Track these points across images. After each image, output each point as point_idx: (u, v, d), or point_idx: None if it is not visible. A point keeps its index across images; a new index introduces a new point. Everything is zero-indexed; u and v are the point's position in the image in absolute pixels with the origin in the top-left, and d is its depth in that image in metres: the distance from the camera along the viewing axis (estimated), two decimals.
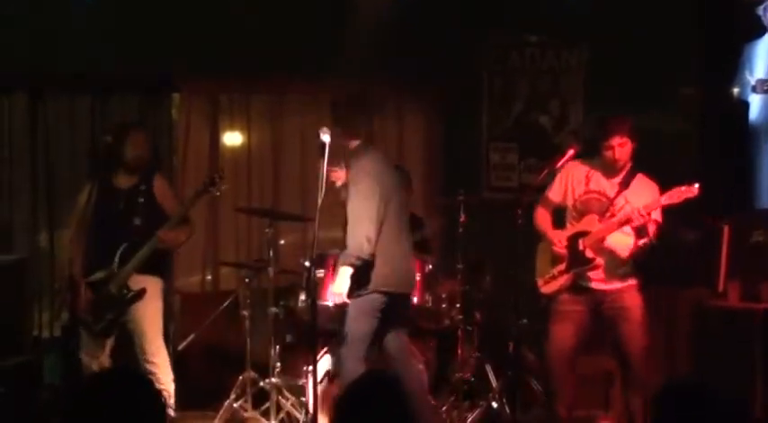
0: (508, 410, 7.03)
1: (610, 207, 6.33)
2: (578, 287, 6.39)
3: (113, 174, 6.76)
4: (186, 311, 8.13)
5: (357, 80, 8.34)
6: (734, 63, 7.68)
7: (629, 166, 6.41)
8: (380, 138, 8.87)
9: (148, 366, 6.54)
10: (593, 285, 6.36)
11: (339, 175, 6.34)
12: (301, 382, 7.00)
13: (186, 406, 6.85)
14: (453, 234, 7.34)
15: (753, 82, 7.53)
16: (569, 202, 6.50)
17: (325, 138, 5.91)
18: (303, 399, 6.85)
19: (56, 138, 8.35)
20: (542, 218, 6.59)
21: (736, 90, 7.71)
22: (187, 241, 6.97)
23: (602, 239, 6.32)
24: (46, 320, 8.15)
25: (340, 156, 6.26)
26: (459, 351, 7.23)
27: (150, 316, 6.62)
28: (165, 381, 6.52)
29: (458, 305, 7.24)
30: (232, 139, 8.82)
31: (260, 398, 7.22)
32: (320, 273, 6.65)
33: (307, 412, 6.68)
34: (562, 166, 6.57)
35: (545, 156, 8.24)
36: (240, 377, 7.16)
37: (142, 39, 8.07)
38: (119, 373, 3.23)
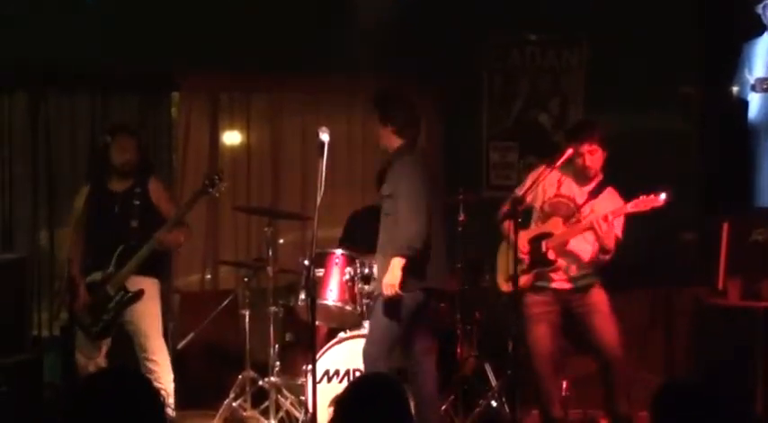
0: (507, 409, 7.04)
1: (576, 213, 6.39)
2: (540, 288, 6.43)
3: (108, 177, 6.77)
4: (185, 310, 8.13)
5: (357, 80, 8.35)
6: (733, 62, 7.69)
7: (600, 176, 6.44)
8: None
9: (149, 365, 6.55)
10: (557, 285, 6.42)
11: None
12: (300, 381, 7.01)
13: (185, 405, 6.85)
14: (453, 233, 7.34)
15: (752, 81, 7.54)
16: (537, 204, 6.55)
17: (325, 137, 5.91)
18: (302, 398, 6.85)
19: (56, 137, 8.35)
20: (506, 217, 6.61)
21: (735, 89, 7.72)
22: (186, 243, 6.98)
23: (566, 243, 6.37)
24: (45, 319, 8.16)
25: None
26: (459, 350, 7.23)
27: (150, 316, 6.63)
28: (166, 380, 6.54)
29: (457, 304, 7.23)
30: (232, 137, 8.81)
31: (259, 397, 7.22)
32: (320, 272, 6.65)
33: (306, 411, 6.68)
34: (561, 165, 6.58)
35: (545, 155, 8.25)
36: (239, 376, 7.16)
37: (142, 38, 8.07)
38: (117, 373, 3.23)
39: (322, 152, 5.90)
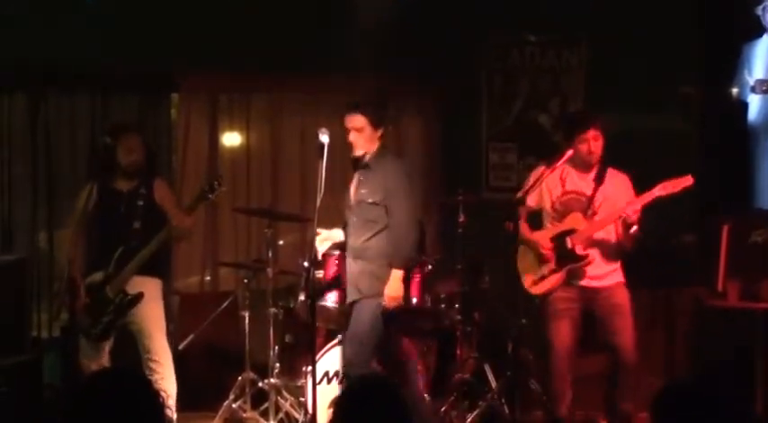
0: (507, 411, 7.03)
1: (590, 205, 6.40)
2: (571, 285, 6.44)
3: (113, 176, 6.75)
4: (185, 312, 8.13)
5: (357, 80, 8.34)
6: (733, 63, 7.68)
7: (600, 161, 6.49)
8: None
9: (152, 366, 6.54)
10: (586, 283, 6.43)
11: None
12: (300, 382, 7.01)
13: (185, 406, 6.83)
14: (452, 234, 7.34)
15: (752, 82, 7.53)
16: (546, 205, 6.58)
17: (324, 138, 5.92)
18: (302, 399, 6.85)
19: (56, 137, 8.34)
20: (520, 221, 6.64)
21: (735, 90, 7.70)
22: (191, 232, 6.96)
23: (591, 236, 6.38)
24: (45, 320, 8.15)
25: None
26: (459, 351, 7.23)
27: (153, 316, 6.62)
28: (169, 381, 6.54)
29: (457, 305, 7.23)
30: (231, 138, 8.81)
31: (259, 398, 7.22)
32: (319, 273, 6.65)
33: (306, 413, 6.68)
34: (561, 165, 6.60)
35: (544, 155, 8.25)
36: (239, 377, 7.16)
37: (142, 38, 8.07)
38: (116, 374, 3.23)
39: (322, 153, 5.91)
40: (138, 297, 6.53)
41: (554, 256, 6.47)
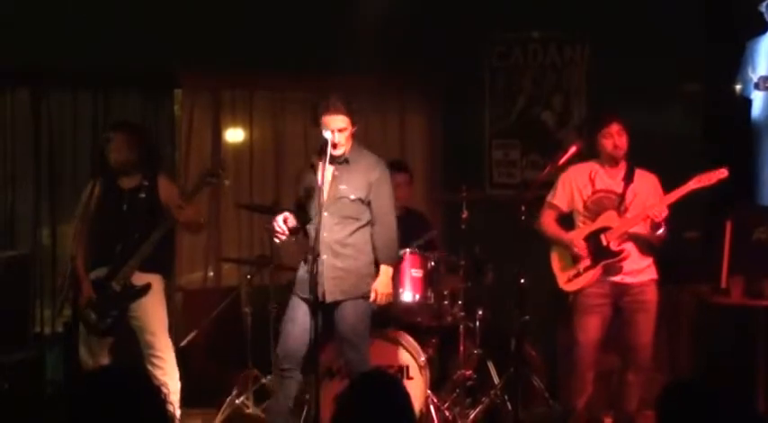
0: (510, 407, 7.03)
1: (622, 202, 6.43)
2: (604, 281, 6.45)
3: (117, 173, 6.73)
4: (188, 308, 8.14)
5: (360, 77, 8.34)
6: (736, 60, 7.67)
7: (626, 159, 6.53)
8: (382, 134, 8.87)
9: (155, 361, 6.53)
10: (620, 279, 6.44)
11: None
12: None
13: (188, 402, 6.83)
14: (455, 231, 7.33)
15: (755, 79, 7.52)
16: (578, 206, 6.58)
17: (328, 134, 5.90)
18: (306, 396, 6.85)
19: (58, 134, 8.35)
20: (551, 224, 6.66)
21: (738, 87, 7.70)
22: (199, 219, 6.90)
23: (626, 232, 6.40)
24: (48, 316, 8.15)
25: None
26: (462, 348, 7.23)
27: (156, 312, 6.61)
28: (172, 377, 6.53)
29: (460, 302, 7.23)
30: (234, 135, 8.81)
31: (261, 394, 7.22)
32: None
33: (309, 408, 6.68)
34: (565, 162, 6.63)
35: (548, 152, 8.26)
36: (242, 374, 7.16)
37: (144, 35, 8.06)
38: (118, 370, 3.23)
39: (325, 150, 5.89)
40: (146, 288, 6.51)
41: (589, 253, 6.48)
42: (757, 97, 7.59)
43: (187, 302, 8.23)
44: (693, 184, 6.24)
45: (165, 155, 8.30)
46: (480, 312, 7.40)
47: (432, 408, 6.91)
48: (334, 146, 6.08)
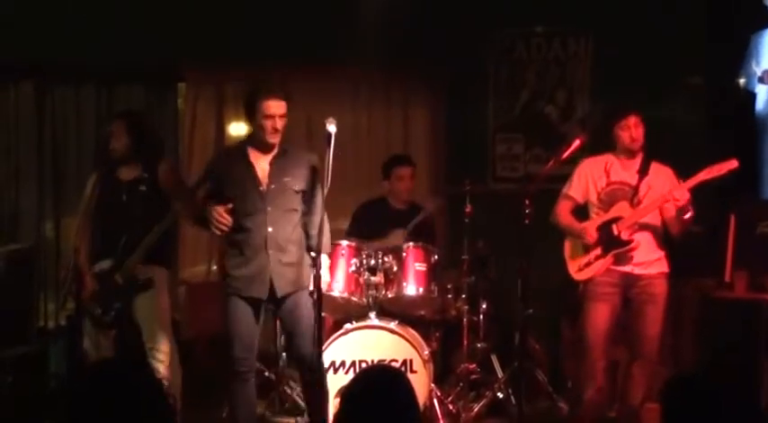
0: (514, 401, 7.04)
1: (635, 195, 6.44)
2: (614, 271, 6.47)
3: (117, 165, 6.71)
4: (191, 301, 8.14)
5: (363, 70, 8.35)
6: (740, 53, 7.66)
7: (642, 152, 6.52)
8: (386, 127, 8.87)
9: (157, 355, 6.51)
10: (630, 270, 6.45)
11: None
12: None
13: (190, 395, 6.83)
14: (459, 224, 7.33)
15: (759, 72, 7.51)
16: (592, 197, 6.60)
17: (332, 128, 5.88)
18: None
19: (62, 128, 8.36)
20: (565, 215, 6.67)
21: (742, 80, 7.69)
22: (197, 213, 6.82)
23: (637, 222, 6.42)
24: (52, 309, 8.17)
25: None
26: (465, 341, 7.22)
27: (157, 306, 6.59)
28: (174, 370, 6.52)
29: (463, 296, 7.22)
30: (237, 128, 8.81)
31: (265, 388, 7.22)
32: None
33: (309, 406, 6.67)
34: (568, 156, 6.63)
35: (551, 146, 8.27)
36: None
37: (148, 28, 8.08)
38: (120, 363, 3.24)
39: (329, 143, 5.87)
40: (149, 281, 6.51)
41: (600, 243, 6.49)
42: (761, 91, 7.57)
43: (190, 296, 8.23)
44: (704, 175, 6.23)
45: (169, 147, 8.30)
46: (484, 306, 7.42)
47: (435, 401, 6.91)
48: (274, 132, 5.98)
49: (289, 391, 7.14)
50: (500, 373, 7.31)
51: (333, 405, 6.15)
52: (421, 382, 6.70)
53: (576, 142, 6.61)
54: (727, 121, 7.95)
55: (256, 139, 6.04)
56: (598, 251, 6.50)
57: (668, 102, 8.15)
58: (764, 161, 7.56)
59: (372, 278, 6.92)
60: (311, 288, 6.01)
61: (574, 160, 6.79)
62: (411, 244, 7.05)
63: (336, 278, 6.76)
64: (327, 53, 8.24)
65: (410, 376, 6.39)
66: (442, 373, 7.37)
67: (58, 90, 8.35)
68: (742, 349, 6.84)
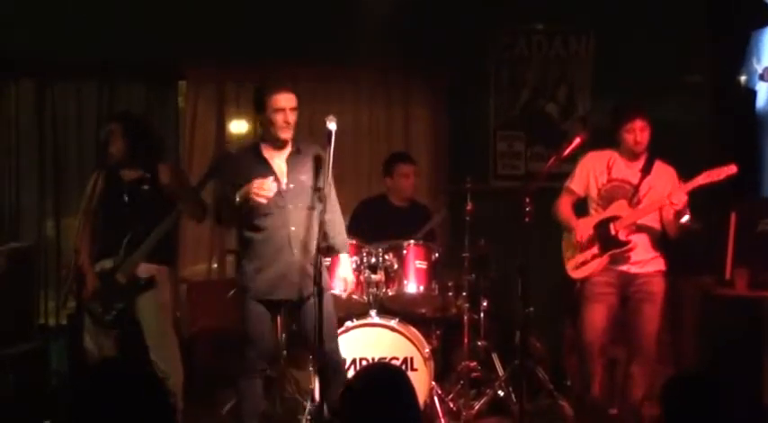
0: (514, 399, 7.03)
1: (636, 194, 6.43)
2: (611, 269, 6.46)
3: (119, 165, 6.70)
4: (192, 300, 8.14)
5: (364, 69, 8.34)
6: (741, 51, 7.66)
7: (647, 152, 6.52)
8: (387, 125, 8.86)
9: (160, 353, 6.50)
10: (626, 269, 6.45)
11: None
12: (308, 370, 7.00)
13: (192, 393, 6.84)
14: (460, 222, 7.32)
15: (760, 70, 7.52)
16: (593, 193, 6.60)
17: (332, 126, 5.87)
18: (310, 387, 6.85)
19: (63, 126, 8.36)
20: (565, 208, 6.68)
21: (743, 78, 7.69)
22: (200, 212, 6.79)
23: (635, 223, 6.42)
24: (52, 308, 8.17)
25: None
26: (466, 340, 7.22)
27: (159, 305, 6.59)
28: (176, 369, 6.52)
29: (464, 294, 7.22)
30: (238, 127, 8.81)
31: (266, 386, 7.21)
32: (327, 261, 6.63)
33: (313, 400, 6.67)
34: (569, 154, 6.63)
35: (552, 144, 8.27)
36: None
37: (148, 26, 8.07)
38: (122, 361, 3.24)
39: (330, 141, 5.86)
40: (151, 281, 6.50)
41: (597, 241, 6.49)
42: (762, 88, 7.58)
43: (191, 294, 8.22)
44: (702, 178, 6.23)
45: (170, 146, 8.30)
46: (485, 304, 7.41)
47: (436, 399, 6.91)
48: (286, 126, 5.92)
49: (290, 389, 7.13)
50: (501, 371, 7.30)
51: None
52: (421, 380, 6.70)
53: (577, 140, 6.61)
54: (727, 119, 7.95)
55: (268, 137, 5.99)
56: (595, 250, 6.51)
57: (669, 99, 8.15)
58: (765, 158, 7.56)
59: (373, 276, 6.93)
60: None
61: (574, 158, 6.79)
62: (412, 242, 7.05)
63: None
64: (327, 53, 8.24)
65: (411, 374, 6.45)
66: (443, 371, 7.37)
67: (58, 88, 8.35)
68: (743, 347, 6.84)
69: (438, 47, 8.48)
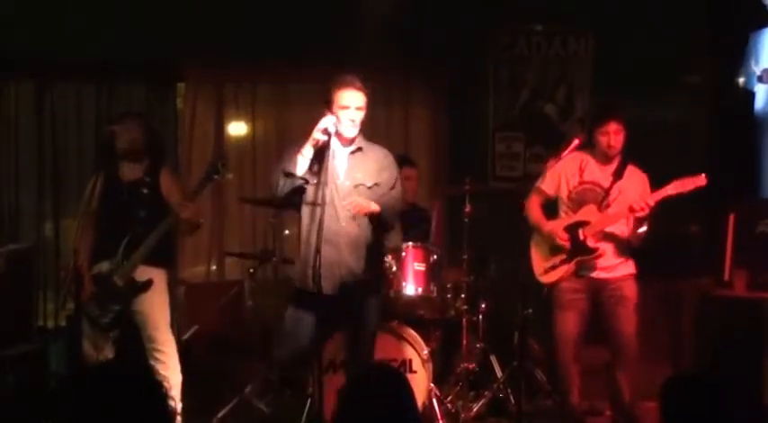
0: (513, 400, 7.03)
1: (605, 198, 6.41)
2: (579, 276, 6.46)
3: (118, 165, 6.71)
4: (191, 301, 8.13)
5: (363, 70, 8.33)
6: (740, 52, 7.66)
7: (620, 155, 6.51)
8: (386, 126, 8.87)
9: (157, 355, 6.51)
10: (595, 275, 6.44)
11: None
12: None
13: (190, 396, 6.83)
14: (459, 223, 7.32)
15: (758, 72, 7.51)
16: (563, 194, 6.58)
17: (331, 127, 5.86)
18: (310, 389, 6.85)
19: (62, 128, 8.36)
20: (534, 209, 6.66)
21: (741, 79, 7.69)
22: (199, 219, 6.78)
23: (603, 229, 6.39)
24: (51, 309, 8.16)
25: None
26: (464, 341, 7.21)
27: (158, 306, 6.59)
28: (173, 371, 6.51)
29: (463, 295, 7.22)
30: (237, 128, 8.82)
31: (264, 388, 7.22)
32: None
33: (311, 402, 6.67)
34: (568, 155, 6.63)
35: (551, 145, 8.26)
36: (244, 367, 7.15)
37: (148, 28, 8.07)
38: (121, 364, 3.24)
39: (328, 142, 5.85)
40: (148, 284, 6.50)
41: (568, 246, 6.48)
42: (761, 90, 7.57)
43: (190, 296, 8.21)
44: (671, 189, 6.17)
45: (169, 148, 8.29)
46: (483, 306, 7.40)
47: (435, 401, 6.91)
48: (350, 124, 5.83)
49: (289, 390, 7.13)
50: (499, 373, 7.30)
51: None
52: (420, 381, 6.70)
53: (576, 141, 6.61)
54: (726, 120, 7.95)
55: (336, 131, 5.85)
56: (563, 255, 6.49)
57: (668, 101, 8.15)
58: (764, 160, 7.56)
59: None
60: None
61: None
62: (410, 244, 7.04)
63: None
64: (327, 53, 8.23)
65: (409, 376, 6.46)
66: (442, 373, 7.36)
67: (57, 89, 8.35)
68: (742, 348, 6.84)
69: (438, 47, 8.48)
